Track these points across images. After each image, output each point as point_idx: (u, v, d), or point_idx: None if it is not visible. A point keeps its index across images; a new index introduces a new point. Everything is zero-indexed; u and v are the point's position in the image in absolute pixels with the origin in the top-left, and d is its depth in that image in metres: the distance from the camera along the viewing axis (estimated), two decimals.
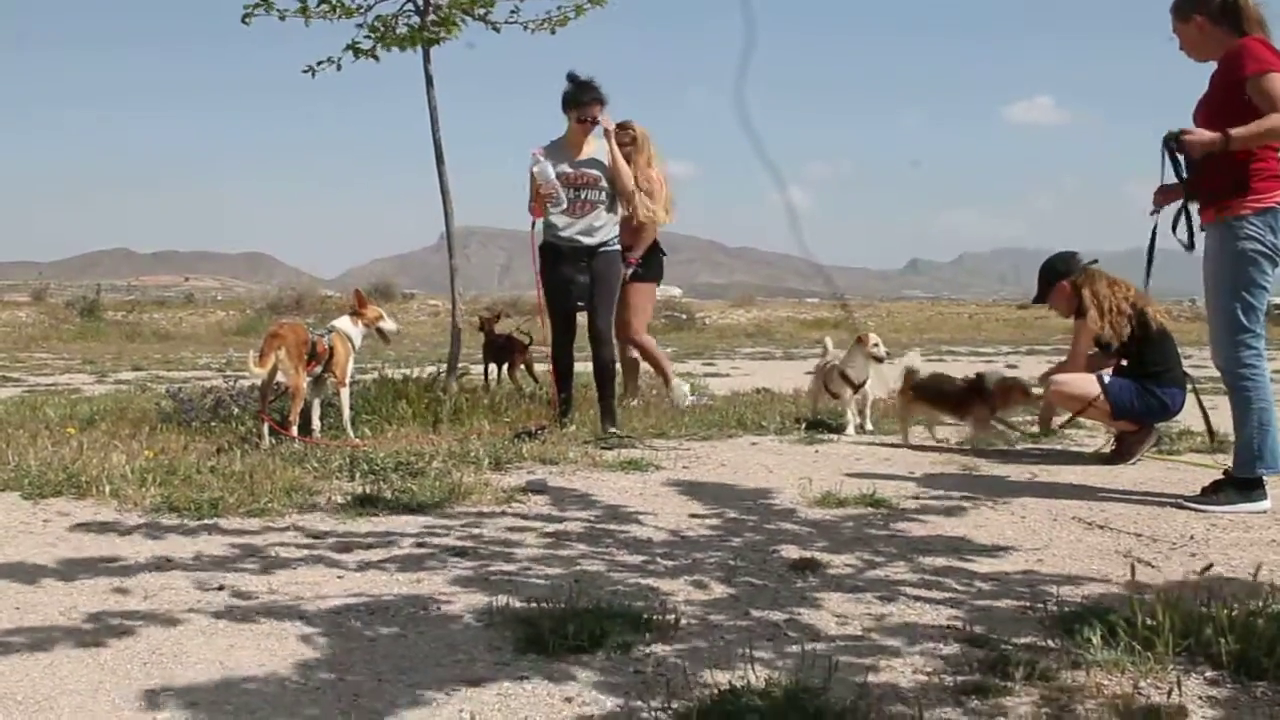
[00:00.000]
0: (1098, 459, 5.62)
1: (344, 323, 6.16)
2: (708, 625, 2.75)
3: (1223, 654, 2.34)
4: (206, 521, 3.97)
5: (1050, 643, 2.53)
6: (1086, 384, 5.42)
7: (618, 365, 7.10)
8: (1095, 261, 5.70)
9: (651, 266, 7.54)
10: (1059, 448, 6.03)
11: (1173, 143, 4.21)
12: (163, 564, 3.39)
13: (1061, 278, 5.61)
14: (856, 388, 6.60)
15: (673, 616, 2.71)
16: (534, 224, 6.57)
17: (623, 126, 7.02)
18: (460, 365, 7.42)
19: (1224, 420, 4.65)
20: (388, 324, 6.33)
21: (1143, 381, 5.36)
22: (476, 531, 3.87)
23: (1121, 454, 5.51)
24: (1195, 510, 4.23)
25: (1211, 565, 3.15)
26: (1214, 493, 4.32)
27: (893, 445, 6.21)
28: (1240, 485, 4.28)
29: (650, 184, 7.21)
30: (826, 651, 2.49)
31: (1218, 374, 4.40)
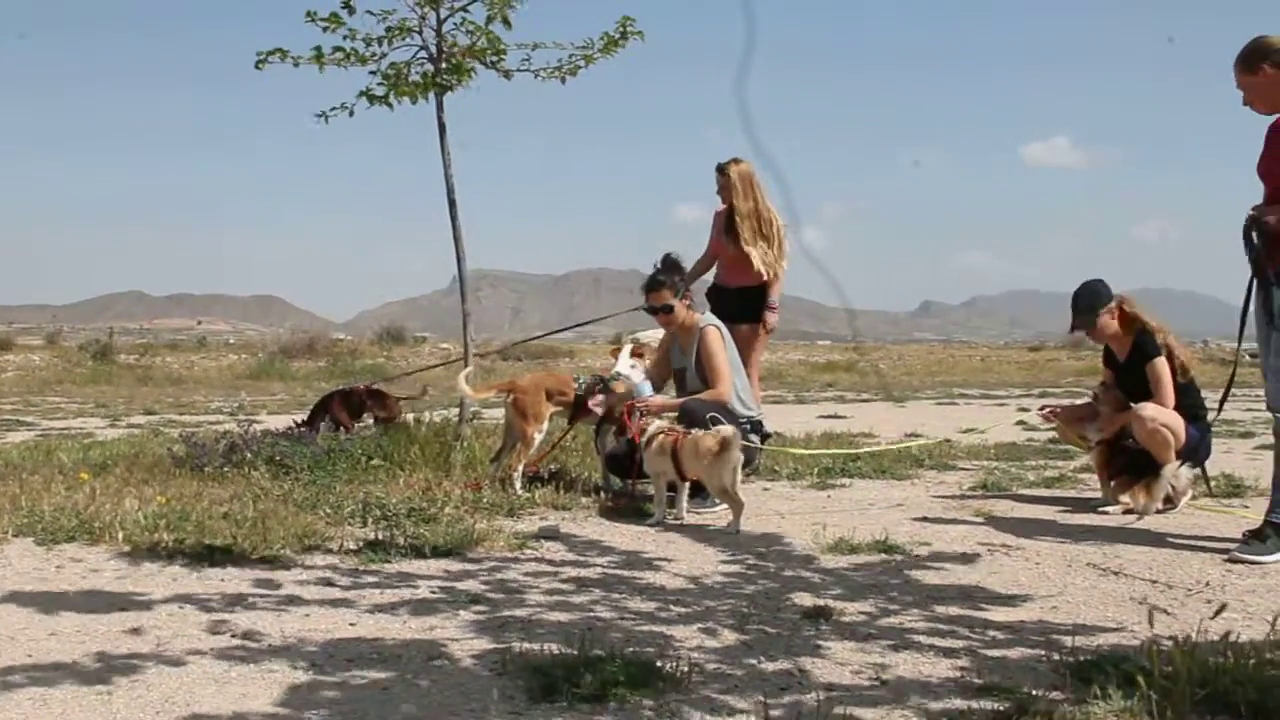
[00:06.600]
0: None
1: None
2: (720, 674, 2.74)
3: (1241, 704, 2.32)
4: (219, 568, 3.97)
5: (1065, 692, 2.51)
6: (1177, 420, 5.26)
7: None
8: None
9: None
10: (1072, 494, 6.00)
11: (1253, 225, 4.09)
12: (175, 610, 3.39)
13: (1107, 302, 5.57)
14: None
15: (685, 665, 2.70)
16: None
17: (720, 170, 6.74)
18: (472, 409, 7.41)
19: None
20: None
21: (1194, 422, 5.32)
22: (489, 578, 3.87)
23: (1170, 500, 5.31)
24: (1246, 562, 4.08)
25: (1225, 605, 3.11)
26: (1258, 540, 4.18)
27: (905, 490, 6.19)
28: None
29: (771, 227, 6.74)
30: (839, 700, 2.48)
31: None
